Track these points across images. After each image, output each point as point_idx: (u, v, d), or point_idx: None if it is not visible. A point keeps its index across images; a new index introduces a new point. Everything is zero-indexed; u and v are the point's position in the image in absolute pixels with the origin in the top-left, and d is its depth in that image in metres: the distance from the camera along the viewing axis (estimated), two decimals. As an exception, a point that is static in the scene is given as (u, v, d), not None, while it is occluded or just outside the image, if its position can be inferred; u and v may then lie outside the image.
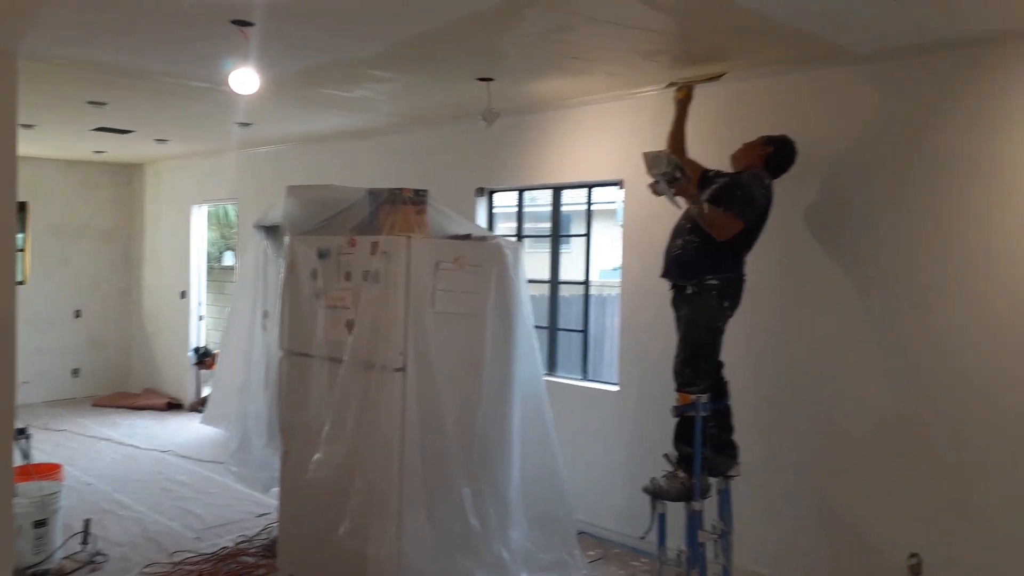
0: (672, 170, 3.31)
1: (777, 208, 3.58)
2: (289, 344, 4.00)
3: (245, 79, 3.47)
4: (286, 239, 4.07)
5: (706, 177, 3.68)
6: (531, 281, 4.35)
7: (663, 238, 4.49)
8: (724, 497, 3.62)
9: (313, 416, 3.75)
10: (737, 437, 3.84)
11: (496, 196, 5.74)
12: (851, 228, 3.81)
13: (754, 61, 3.91)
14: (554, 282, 5.31)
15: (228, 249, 9.78)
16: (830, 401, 3.87)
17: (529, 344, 4.02)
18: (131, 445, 6.88)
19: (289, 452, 3.96)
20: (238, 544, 4.47)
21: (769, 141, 3.58)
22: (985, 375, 3.41)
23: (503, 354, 3.89)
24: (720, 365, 3.60)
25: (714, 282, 3.37)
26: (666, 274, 3.61)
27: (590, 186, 5.07)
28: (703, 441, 3.37)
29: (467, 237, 3.92)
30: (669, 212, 4.45)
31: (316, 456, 3.54)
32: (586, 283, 5.16)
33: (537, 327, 4.24)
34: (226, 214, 10.21)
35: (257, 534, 4.62)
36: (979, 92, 3.42)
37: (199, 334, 8.52)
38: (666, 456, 3.46)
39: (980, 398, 3.42)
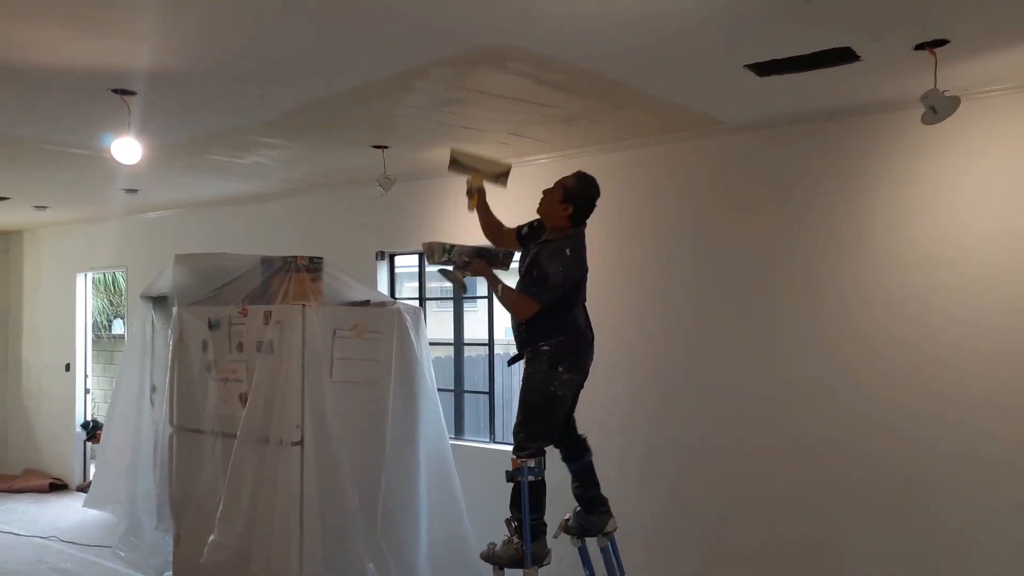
0: (447, 259, 3.47)
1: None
2: (179, 420, 3.85)
3: (128, 148, 3.38)
4: (174, 310, 3.94)
5: (520, 235, 3.68)
6: (435, 343, 4.36)
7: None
8: (607, 555, 3.60)
9: (206, 495, 3.60)
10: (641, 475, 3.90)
11: (398, 258, 5.73)
12: (724, 280, 4.02)
13: (631, 132, 4.12)
14: (458, 343, 5.31)
15: (118, 317, 9.33)
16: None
17: (433, 408, 4.01)
18: (8, 532, 6.36)
19: (181, 534, 3.77)
20: (128, 637, 4.19)
21: (567, 198, 3.43)
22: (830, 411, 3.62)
23: (406, 420, 3.86)
24: (571, 427, 3.59)
25: (545, 348, 3.35)
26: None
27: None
28: (536, 507, 3.33)
29: (366, 303, 3.90)
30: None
31: (211, 538, 3.38)
32: (490, 343, 5.18)
33: (441, 390, 4.22)
34: (114, 280, 9.77)
35: (149, 624, 4.34)
36: (849, 157, 3.70)
37: (86, 408, 8.05)
38: (506, 521, 3.41)
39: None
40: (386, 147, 4.37)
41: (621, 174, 4.41)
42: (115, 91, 3.27)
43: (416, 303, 5.13)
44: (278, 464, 3.36)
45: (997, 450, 3.31)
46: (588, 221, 3.48)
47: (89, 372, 8.11)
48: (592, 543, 3.59)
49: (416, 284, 5.71)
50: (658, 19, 2.58)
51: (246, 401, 3.50)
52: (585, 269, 3.45)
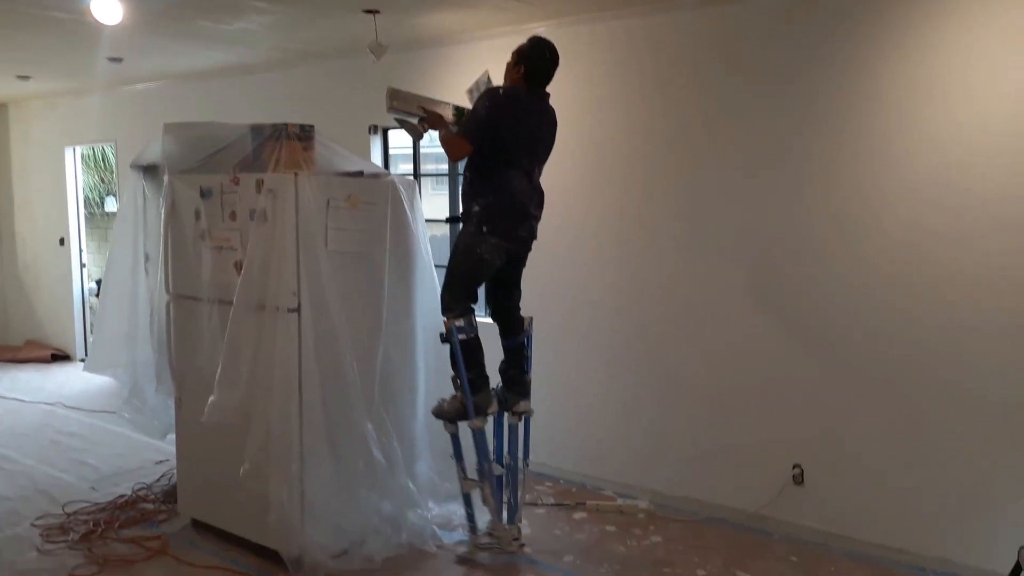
0: (404, 109, 3.55)
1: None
2: (175, 287, 3.88)
3: (108, 7, 3.26)
4: (165, 178, 3.90)
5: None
6: (430, 221, 4.35)
7: (560, 173, 4.59)
8: (513, 433, 3.76)
9: (205, 360, 3.68)
10: (635, 358, 4.02)
11: (392, 136, 5.64)
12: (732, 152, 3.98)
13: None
14: (453, 221, 5.30)
15: (109, 194, 9.24)
16: (711, 329, 4.10)
17: (430, 281, 4.04)
18: (14, 399, 6.56)
19: (183, 398, 3.89)
20: (136, 492, 4.39)
21: (519, 60, 3.50)
22: (847, 303, 3.68)
23: (402, 292, 3.91)
24: (512, 305, 3.73)
25: (476, 209, 3.45)
26: None
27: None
28: (472, 364, 3.52)
29: (359, 174, 3.87)
30: (561, 154, 4.54)
31: (211, 400, 3.48)
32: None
33: (438, 265, 4.24)
34: (104, 157, 9.62)
35: (156, 481, 4.54)
36: (859, 26, 3.59)
37: (83, 282, 8.11)
38: (452, 380, 3.62)
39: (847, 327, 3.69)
40: (377, 12, 4.22)
41: (620, 44, 4.28)
42: (92, -57, 3.13)
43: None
44: (276, 329, 3.42)
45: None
46: (554, 92, 3.52)
47: (84, 247, 8.12)
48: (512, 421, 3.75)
49: (411, 166, 5.63)
50: None
51: (241, 269, 3.52)
52: (528, 128, 3.46)
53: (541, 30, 4.51)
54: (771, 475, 3.93)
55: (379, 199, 3.79)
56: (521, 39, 4.62)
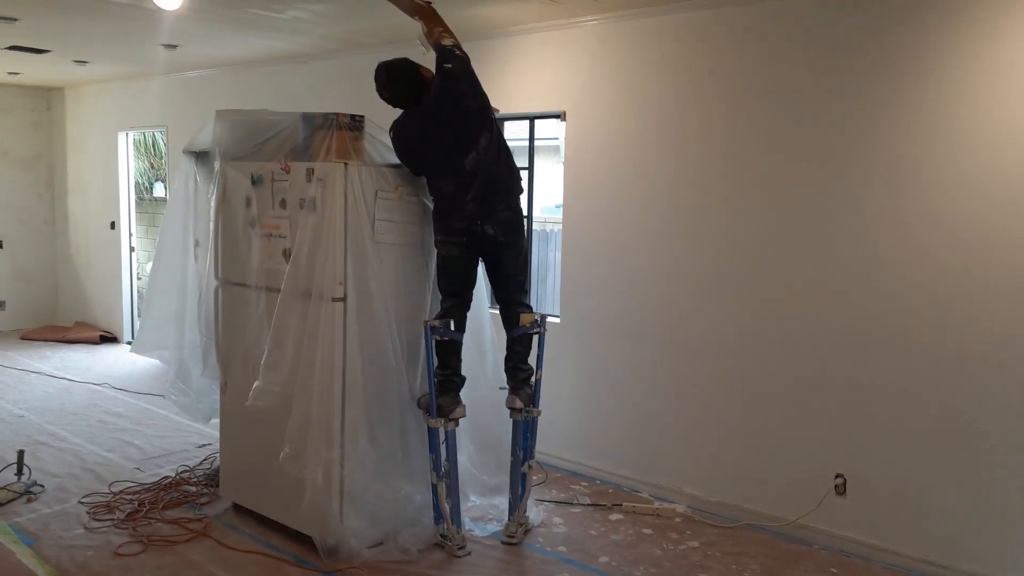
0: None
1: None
2: (224, 273, 3.93)
3: (169, -6, 3.30)
4: (216, 165, 3.95)
5: None
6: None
7: (605, 173, 4.55)
8: (516, 429, 3.75)
9: (251, 346, 3.73)
10: (677, 362, 3.98)
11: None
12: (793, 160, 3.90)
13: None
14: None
15: (159, 180, 9.41)
16: (752, 331, 4.03)
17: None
18: (64, 378, 6.73)
19: (228, 383, 3.94)
20: (179, 474, 4.47)
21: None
22: (903, 304, 3.58)
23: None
24: (508, 297, 3.75)
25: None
26: None
27: (531, 118, 5.02)
28: (443, 364, 3.66)
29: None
30: (611, 147, 4.51)
31: (256, 384, 3.53)
32: (528, 217, 5.14)
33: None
34: (154, 143, 9.80)
35: (199, 464, 4.62)
36: (925, 24, 3.48)
37: (132, 266, 8.28)
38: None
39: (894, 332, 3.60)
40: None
41: (675, 38, 4.22)
42: (154, -69, 3.16)
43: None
44: (320, 318, 3.44)
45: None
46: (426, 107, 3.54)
47: (133, 231, 8.28)
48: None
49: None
50: None
51: (289, 256, 3.56)
52: (426, 144, 3.57)
53: (592, 23, 4.47)
54: (812, 484, 3.85)
55: (425, 192, 3.79)
56: (571, 33, 4.62)
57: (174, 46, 5.81)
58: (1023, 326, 3.29)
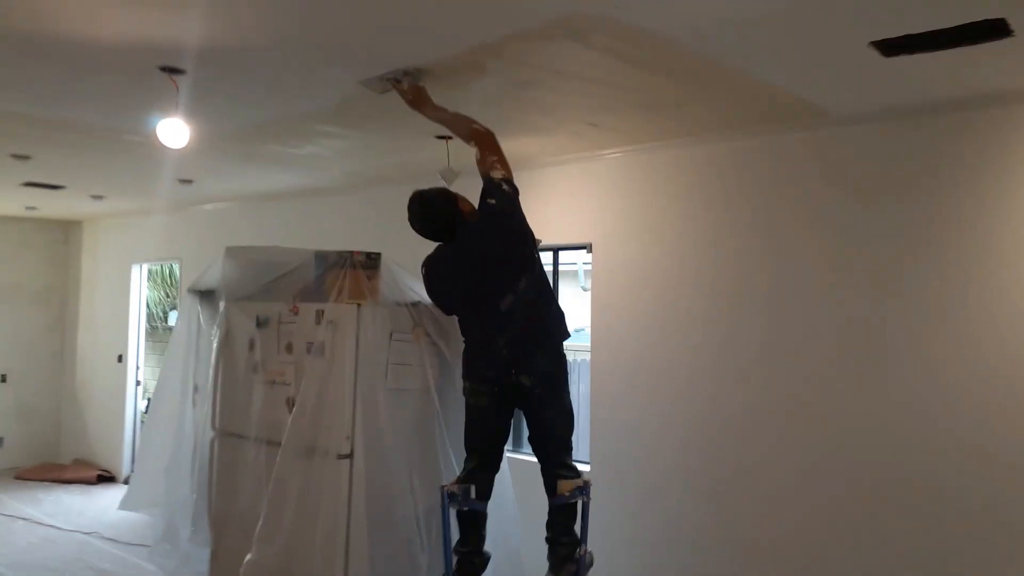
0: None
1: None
2: (221, 423, 3.59)
3: (174, 131, 3.14)
4: (221, 305, 3.69)
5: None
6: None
7: (634, 302, 4.27)
8: None
9: (247, 508, 3.32)
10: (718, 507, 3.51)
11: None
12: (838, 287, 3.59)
13: (720, 123, 3.73)
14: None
15: (173, 309, 9.28)
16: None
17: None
18: (52, 526, 6.25)
19: (218, 550, 3.50)
20: (161, 649, 3.95)
21: None
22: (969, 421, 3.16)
23: (460, 430, 3.51)
24: (547, 454, 3.14)
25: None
26: None
27: (558, 249, 4.79)
28: (463, 539, 3.11)
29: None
30: (639, 277, 4.25)
31: (248, 557, 3.10)
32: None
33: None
34: (171, 272, 9.73)
35: (184, 638, 4.10)
36: (980, 156, 3.25)
37: (136, 401, 7.96)
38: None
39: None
40: (450, 137, 4.07)
41: (703, 170, 4.02)
42: (163, 69, 3.02)
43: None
44: (323, 479, 3.06)
45: None
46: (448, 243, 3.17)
47: (141, 364, 8.02)
48: None
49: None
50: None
51: (293, 407, 3.22)
52: (459, 284, 3.15)
53: (618, 155, 4.31)
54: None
55: (443, 333, 3.47)
56: (596, 166, 4.45)
57: (190, 181, 5.72)
58: None
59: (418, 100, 3.12)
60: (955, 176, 3.28)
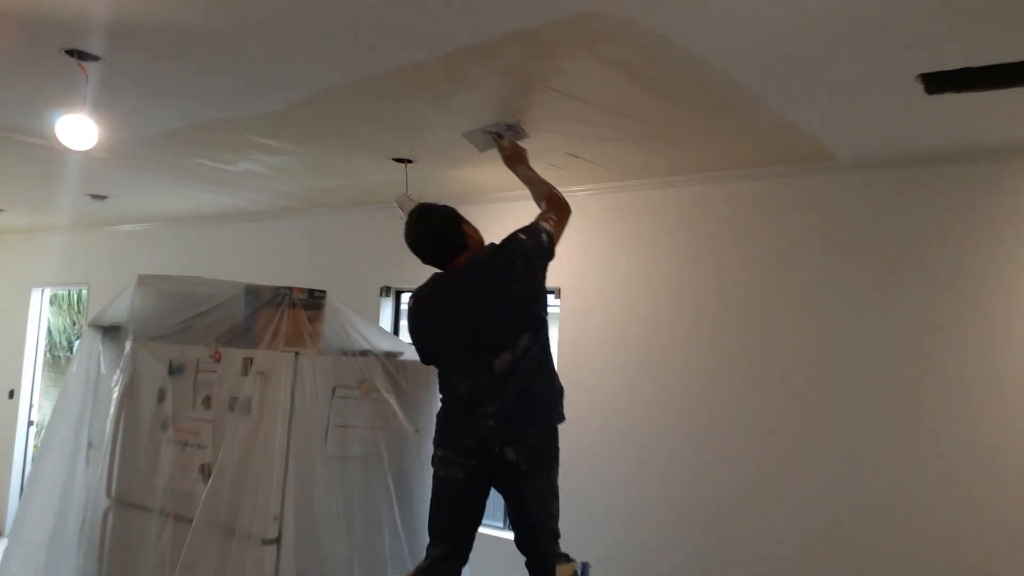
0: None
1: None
2: (119, 491, 2.95)
3: (79, 130, 2.54)
4: (128, 344, 3.07)
5: None
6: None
7: (599, 346, 3.86)
8: None
9: (144, 600, 2.69)
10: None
11: (406, 297, 4.89)
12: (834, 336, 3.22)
13: (715, 162, 3.38)
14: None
15: (79, 338, 8.41)
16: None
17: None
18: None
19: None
20: None
21: None
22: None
23: (418, 507, 2.96)
24: (528, 536, 2.63)
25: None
26: None
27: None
28: None
29: (384, 353, 3.02)
30: (605, 323, 3.86)
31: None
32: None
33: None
34: (78, 297, 8.86)
35: None
36: (990, 207, 2.96)
37: (27, 443, 7.06)
38: None
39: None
40: (410, 161, 3.58)
41: (698, 211, 3.65)
42: (70, 52, 2.44)
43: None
44: (243, 568, 2.47)
45: None
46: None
47: (35, 402, 7.13)
48: None
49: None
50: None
51: (209, 475, 2.62)
52: (445, 328, 2.66)
53: (584, 194, 3.88)
54: None
55: (398, 387, 2.94)
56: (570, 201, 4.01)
57: (103, 197, 5.04)
58: None
59: (516, 158, 2.96)
60: (974, 230, 2.97)
